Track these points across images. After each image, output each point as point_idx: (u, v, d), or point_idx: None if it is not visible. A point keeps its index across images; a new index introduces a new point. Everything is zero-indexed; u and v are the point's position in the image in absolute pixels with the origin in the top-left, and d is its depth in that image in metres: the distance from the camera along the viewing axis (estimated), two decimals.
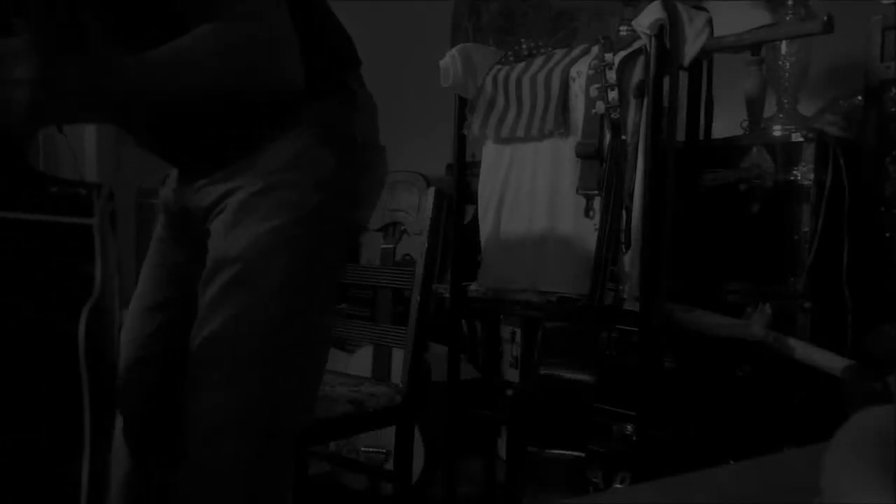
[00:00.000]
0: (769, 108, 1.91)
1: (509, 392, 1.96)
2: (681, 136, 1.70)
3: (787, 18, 1.79)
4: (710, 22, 1.62)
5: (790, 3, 1.80)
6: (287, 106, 1.05)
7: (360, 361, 2.31)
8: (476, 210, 1.98)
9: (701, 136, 1.80)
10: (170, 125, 1.08)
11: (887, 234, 1.64)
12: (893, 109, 1.67)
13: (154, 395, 1.15)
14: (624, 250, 1.64)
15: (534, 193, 1.81)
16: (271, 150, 1.04)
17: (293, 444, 1.10)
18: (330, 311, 1.14)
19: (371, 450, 2.28)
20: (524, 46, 1.91)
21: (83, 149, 3.16)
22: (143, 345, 1.16)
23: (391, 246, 1.91)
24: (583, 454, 1.77)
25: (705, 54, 1.69)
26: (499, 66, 1.90)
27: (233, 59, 0.96)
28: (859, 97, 1.78)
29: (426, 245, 1.66)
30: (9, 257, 0.79)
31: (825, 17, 1.47)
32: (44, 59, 0.80)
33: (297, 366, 1.06)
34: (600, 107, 1.64)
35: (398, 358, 2.02)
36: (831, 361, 1.43)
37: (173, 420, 1.05)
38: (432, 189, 1.70)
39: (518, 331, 2.27)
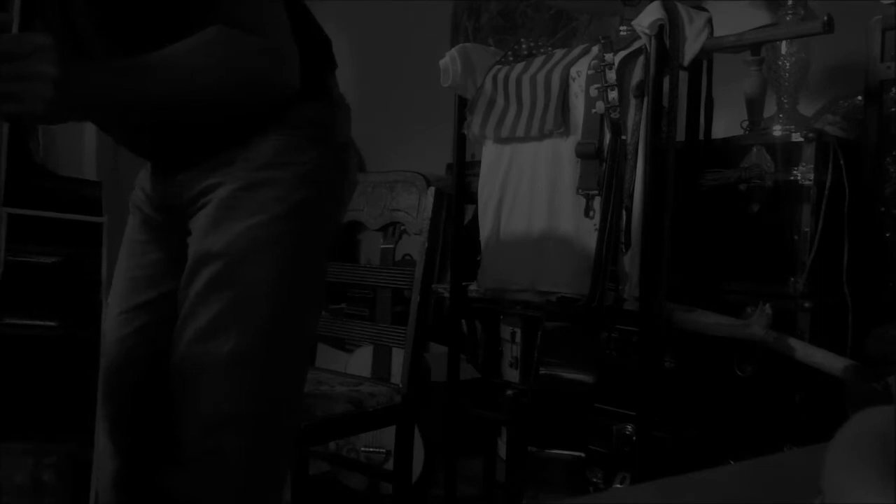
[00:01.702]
0: (769, 108, 1.91)
1: (509, 392, 1.96)
2: (681, 136, 1.70)
3: (787, 18, 1.79)
4: (710, 22, 1.62)
5: (790, 3, 1.80)
6: (276, 105, 1.05)
7: (360, 361, 2.31)
8: (476, 210, 1.98)
9: (701, 136, 1.80)
10: (160, 122, 1.08)
11: (887, 234, 1.64)
12: (893, 109, 1.67)
13: (141, 395, 1.15)
14: (624, 250, 1.64)
15: (533, 193, 1.81)
16: (257, 146, 1.05)
17: (290, 439, 1.10)
18: (316, 307, 1.15)
19: (371, 450, 2.28)
20: (524, 46, 1.91)
21: (82, 148, 3.16)
22: (128, 346, 1.16)
23: (391, 246, 1.92)
24: (583, 454, 1.76)
25: (705, 54, 1.69)
26: (499, 66, 1.90)
27: (237, 66, 0.97)
28: (859, 97, 1.78)
29: (426, 245, 1.66)
30: (23, 254, 0.80)
31: (825, 17, 1.47)
32: (65, 57, 0.83)
33: (288, 361, 1.07)
34: (600, 107, 1.64)
35: (398, 358, 2.02)
36: (831, 361, 1.42)
37: (162, 419, 1.05)
38: (432, 189, 1.70)
39: (518, 331, 2.26)
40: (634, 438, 1.65)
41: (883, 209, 1.65)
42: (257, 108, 1.04)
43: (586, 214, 1.71)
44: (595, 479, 1.74)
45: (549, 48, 1.89)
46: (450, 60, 1.92)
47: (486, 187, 1.92)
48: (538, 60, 1.83)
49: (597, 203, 1.68)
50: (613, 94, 1.61)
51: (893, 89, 1.66)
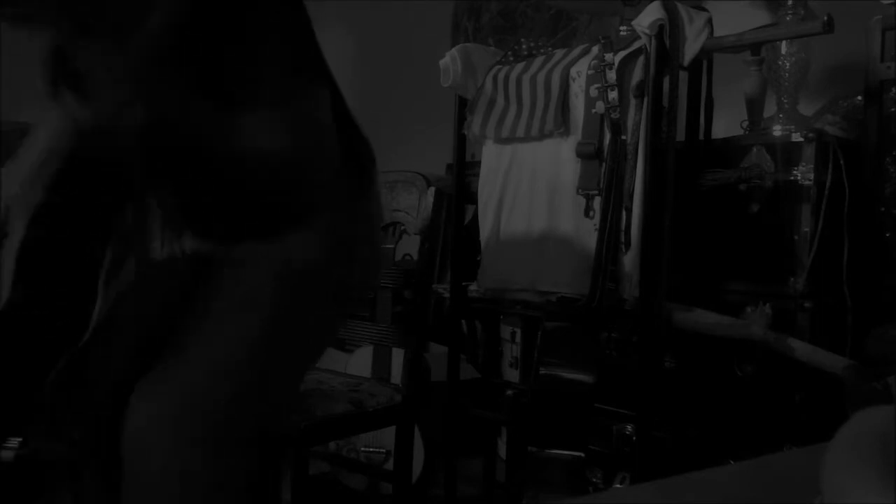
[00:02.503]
0: (769, 108, 1.91)
1: (509, 392, 1.96)
2: (681, 136, 1.70)
3: (787, 18, 1.79)
4: (710, 22, 1.62)
5: (790, 3, 1.80)
6: (319, 188, 1.11)
7: (360, 361, 2.31)
8: (476, 210, 1.98)
9: (701, 136, 1.80)
10: (207, 188, 1.10)
11: (887, 234, 1.64)
12: (893, 109, 1.67)
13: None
14: (624, 250, 1.64)
15: (534, 193, 1.81)
16: (298, 224, 1.09)
17: (256, 456, 1.10)
18: (311, 352, 1.19)
19: (371, 450, 2.28)
20: (524, 46, 1.91)
21: None
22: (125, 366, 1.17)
23: (391, 246, 1.91)
24: (583, 454, 1.76)
25: (705, 54, 1.69)
26: (499, 66, 1.90)
27: (305, 132, 1.05)
28: (859, 97, 1.78)
29: (426, 245, 1.66)
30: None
31: (825, 17, 1.47)
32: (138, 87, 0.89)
33: (277, 372, 1.08)
34: (600, 107, 1.64)
35: (398, 358, 2.02)
36: (832, 361, 1.42)
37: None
38: (432, 189, 1.70)
39: (518, 331, 2.26)
40: (634, 438, 1.65)
41: (883, 209, 1.65)
42: (309, 185, 1.09)
43: (586, 214, 1.71)
44: (595, 479, 1.74)
45: (549, 48, 1.89)
46: (450, 60, 1.92)
47: (486, 187, 1.92)
48: (538, 60, 1.83)
49: (597, 203, 1.68)
50: (613, 94, 1.61)
51: (893, 89, 1.66)
